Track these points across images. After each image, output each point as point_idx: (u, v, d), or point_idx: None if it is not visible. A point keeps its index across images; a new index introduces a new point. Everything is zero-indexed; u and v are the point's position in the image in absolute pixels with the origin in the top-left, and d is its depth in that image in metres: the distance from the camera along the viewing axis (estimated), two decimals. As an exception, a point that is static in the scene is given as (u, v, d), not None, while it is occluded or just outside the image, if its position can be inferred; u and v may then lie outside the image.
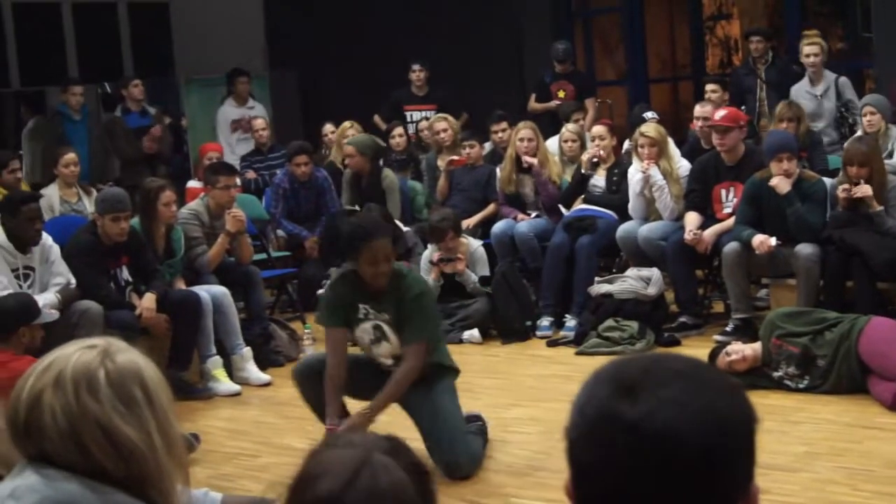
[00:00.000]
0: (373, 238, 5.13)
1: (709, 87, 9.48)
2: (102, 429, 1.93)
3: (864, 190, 6.91)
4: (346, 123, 10.04)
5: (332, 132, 10.44)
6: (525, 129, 8.69)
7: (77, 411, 1.93)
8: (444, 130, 9.71)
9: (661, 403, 1.35)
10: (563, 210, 8.43)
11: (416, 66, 11.15)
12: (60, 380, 1.95)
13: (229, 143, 11.35)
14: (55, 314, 5.81)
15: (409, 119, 10.97)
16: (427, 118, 10.62)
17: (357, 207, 9.06)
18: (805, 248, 7.00)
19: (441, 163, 9.48)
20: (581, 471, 1.40)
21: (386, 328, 5.24)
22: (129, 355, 2.02)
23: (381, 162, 9.48)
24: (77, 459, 1.93)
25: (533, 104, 11.05)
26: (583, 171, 8.32)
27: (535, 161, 8.47)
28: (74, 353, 1.99)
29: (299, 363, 5.98)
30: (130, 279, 7.03)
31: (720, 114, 7.72)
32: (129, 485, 1.95)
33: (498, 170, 8.84)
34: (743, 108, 9.26)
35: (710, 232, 7.52)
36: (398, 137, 10.24)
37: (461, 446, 5.15)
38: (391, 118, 10.84)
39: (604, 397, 1.39)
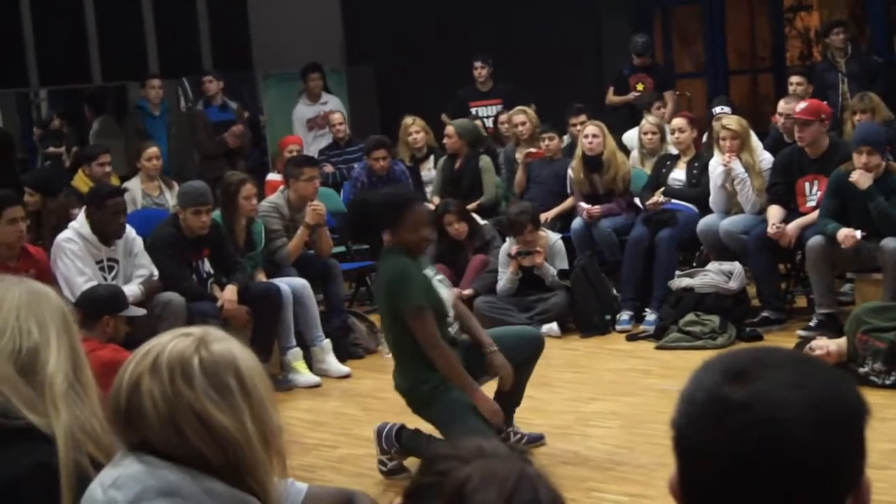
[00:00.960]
0: (414, 203, 5.17)
1: (793, 79, 9.35)
2: (197, 415, 1.95)
3: None
4: (408, 119, 10.04)
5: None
6: (591, 126, 8.62)
7: (172, 397, 1.95)
8: (523, 123, 9.69)
9: (774, 385, 1.34)
10: (639, 204, 8.37)
11: (477, 63, 11.16)
12: (157, 366, 1.98)
13: (306, 141, 11.40)
14: (142, 311, 5.89)
15: (475, 115, 10.95)
16: (500, 112, 10.61)
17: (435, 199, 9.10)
18: (891, 242, 6.88)
19: (519, 156, 9.47)
20: (689, 460, 1.38)
21: (444, 279, 5.31)
22: (225, 344, 2.03)
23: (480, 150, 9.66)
24: (177, 445, 1.95)
25: (611, 97, 10.98)
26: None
27: (594, 211, 8.38)
28: (171, 341, 2.02)
29: None
30: (212, 271, 7.10)
31: (801, 106, 7.61)
32: (228, 472, 1.96)
33: (569, 169, 8.78)
34: (825, 103, 9.11)
35: (794, 225, 7.41)
36: (504, 123, 10.25)
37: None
38: (457, 116, 10.86)
39: (713, 383, 1.37)
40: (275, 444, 2.02)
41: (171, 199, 8.62)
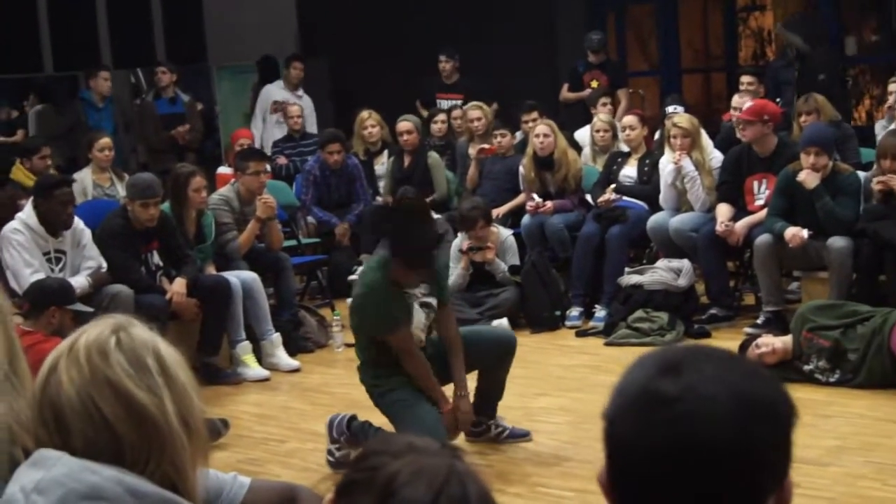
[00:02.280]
0: (434, 259, 5.16)
1: (744, 78, 9.41)
2: (113, 389, 1.92)
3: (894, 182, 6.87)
4: (364, 114, 10.04)
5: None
6: (542, 126, 8.64)
7: (88, 374, 1.93)
8: (479, 119, 9.71)
9: (704, 378, 1.35)
10: (590, 200, 8.40)
11: (442, 57, 11.24)
12: (74, 349, 1.97)
13: (265, 121, 11.31)
14: (89, 308, 5.84)
15: (439, 106, 10.98)
16: (455, 107, 10.62)
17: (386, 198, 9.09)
18: (837, 241, 6.95)
19: (472, 151, 9.48)
20: (617, 450, 1.39)
21: (431, 301, 5.21)
22: (144, 331, 2.02)
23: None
24: (93, 431, 1.93)
25: (566, 94, 11.03)
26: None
27: (546, 207, 8.41)
28: (89, 328, 2.01)
29: None
30: (161, 264, 7.05)
31: (745, 106, 7.70)
32: (145, 458, 1.93)
33: (521, 167, 8.79)
34: (779, 100, 9.18)
35: (742, 224, 7.48)
36: (440, 123, 10.26)
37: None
38: (430, 104, 10.89)
39: (646, 377, 1.38)
40: (196, 427, 2.01)
41: (121, 190, 8.56)
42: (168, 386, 1.96)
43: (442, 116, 10.33)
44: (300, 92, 11.58)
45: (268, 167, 8.35)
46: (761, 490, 1.36)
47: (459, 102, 10.80)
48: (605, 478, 1.42)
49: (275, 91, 11.53)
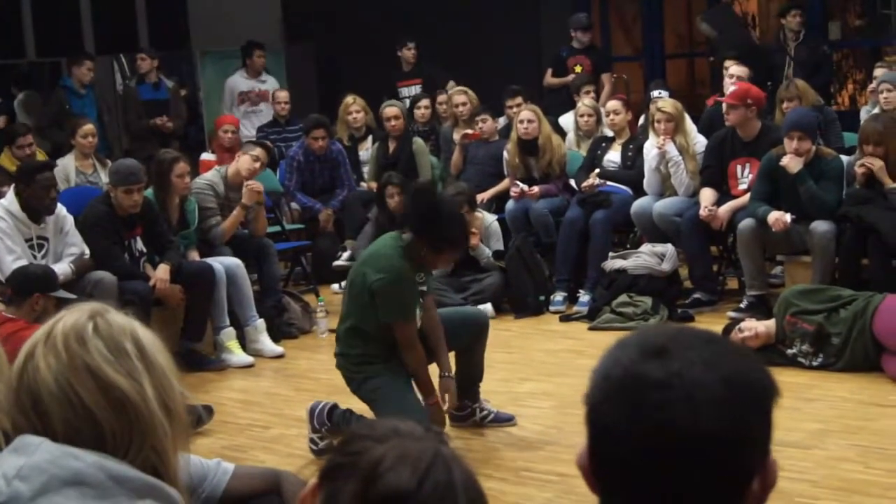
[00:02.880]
0: (462, 244, 5.18)
1: (728, 62, 9.39)
2: (92, 374, 1.92)
3: (878, 165, 6.88)
4: (349, 99, 10.02)
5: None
6: (526, 111, 8.62)
7: (66, 361, 1.93)
8: (464, 104, 9.69)
9: (691, 363, 1.35)
10: (574, 186, 8.41)
11: (410, 44, 11.31)
12: (51, 335, 1.96)
13: (231, 112, 11.30)
14: (73, 296, 5.82)
15: (400, 95, 10.98)
16: (420, 97, 10.55)
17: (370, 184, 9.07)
18: (820, 226, 6.97)
19: (456, 136, 9.47)
20: (602, 435, 1.38)
21: (424, 288, 5.18)
22: (122, 317, 2.02)
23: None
24: (72, 417, 1.92)
25: (549, 79, 11.02)
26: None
27: (532, 192, 8.41)
28: (66, 314, 2.00)
29: None
30: (144, 250, 7.03)
31: (730, 90, 7.69)
32: (126, 442, 1.93)
33: (505, 152, 8.78)
34: (769, 84, 9.17)
35: (726, 208, 7.50)
36: (423, 109, 10.24)
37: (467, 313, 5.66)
38: (391, 96, 10.92)
39: (630, 360, 1.37)
40: (177, 412, 2.00)
41: (104, 176, 8.53)
42: (147, 370, 1.96)
43: (426, 101, 10.30)
44: (263, 77, 11.57)
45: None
46: (748, 472, 1.36)
47: (416, 88, 10.83)
48: (585, 462, 1.42)
49: (239, 81, 11.51)
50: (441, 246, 4.98)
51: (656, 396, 1.32)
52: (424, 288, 5.13)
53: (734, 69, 8.71)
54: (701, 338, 1.41)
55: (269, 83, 11.55)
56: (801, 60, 9.66)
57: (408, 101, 10.57)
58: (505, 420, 5.49)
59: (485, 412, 5.48)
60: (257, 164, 7.90)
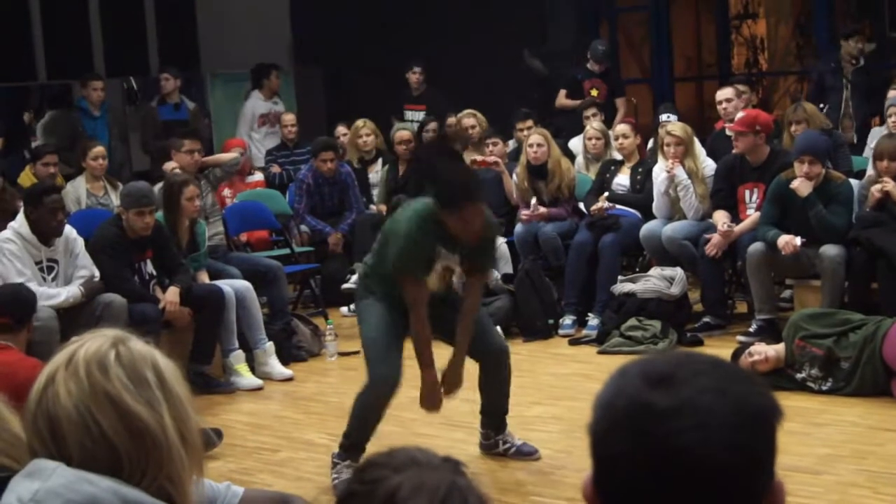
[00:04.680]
0: (475, 201, 4.85)
1: (723, 93, 9.34)
2: (113, 403, 1.93)
3: (892, 185, 6.91)
4: (360, 122, 10.06)
5: (345, 134, 10.46)
6: (535, 136, 8.63)
7: (88, 388, 1.93)
8: (473, 127, 9.71)
9: (700, 389, 1.34)
10: (583, 209, 8.41)
11: (416, 69, 11.37)
12: (73, 361, 1.96)
13: (252, 136, 11.35)
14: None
15: (406, 118, 11.04)
16: (429, 120, 10.59)
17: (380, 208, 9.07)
18: (830, 249, 6.97)
19: (467, 159, 9.47)
20: (607, 466, 1.38)
21: (455, 268, 5.06)
22: (143, 345, 2.03)
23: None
24: (91, 444, 1.93)
25: (563, 100, 11.01)
26: None
27: (540, 212, 8.41)
28: (89, 340, 2.01)
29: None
30: (154, 273, 7.05)
31: (738, 117, 7.69)
32: (143, 472, 1.94)
33: (514, 175, 8.79)
34: (822, 106, 9.15)
35: (738, 229, 7.51)
36: (432, 132, 10.27)
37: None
38: (399, 118, 10.98)
39: (635, 389, 1.36)
40: (193, 441, 2.01)
41: (115, 199, 8.55)
42: (167, 400, 1.97)
43: (434, 125, 10.33)
44: (276, 99, 11.63)
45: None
46: (758, 496, 1.35)
47: (421, 114, 10.90)
48: (590, 492, 1.41)
49: (258, 104, 11.56)
50: (444, 204, 4.80)
51: (666, 425, 1.32)
52: (452, 261, 4.99)
53: (721, 94, 8.72)
54: (706, 363, 1.40)
55: (281, 105, 11.62)
56: (859, 85, 9.59)
57: (415, 125, 10.59)
58: (527, 453, 5.42)
59: (508, 445, 5.42)
60: (196, 156, 8.02)
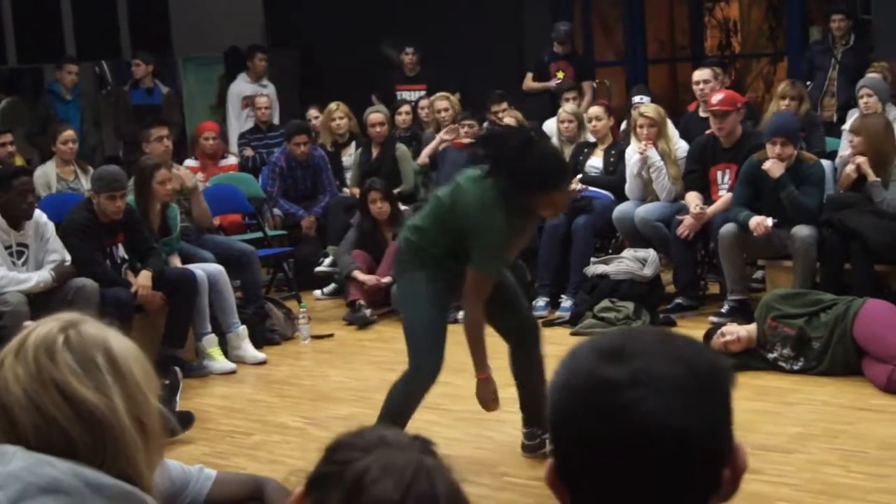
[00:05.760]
0: (564, 185, 4.73)
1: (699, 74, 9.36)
2: (59, 388, 1.91)
3: (861, 159, 7.03)
4: (333, 105, 10.04)
5: (317, 117, 10.43)
6: (507, 119, 8.65)
7: (34, 373, 1.92)
8: (446, 109, 9.71)
9: (652, 358, 1.34)
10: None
11: (409, 50, 11.25)
12: (23, 347, 1.95)
13: (238, 118, 11.28)
14: None
15: (399, 98, 10.98)
16: (423, 97, 10.63)
17: (351, 192, 9.06)
18: (802, 230, 7.00)
19: (438, 137, 9.49)
20: (569, 448, 1.37)
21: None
22: (96, 328, 2.00)
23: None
24: (44, 429, 1.91)
25: (530, 83, 11.03)
26: None
27: None
28: (41, 325, 1.99)
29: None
30: (126, 257, 7.02)
31: (717, 97, 7.69)
32: (99, 456, 1.92)
33: None
34: (809, 83, 9.18)
35: (709, 211, 7.53)
36: (404, 115, 10.25)
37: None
38: (385, 98, 10.89)
39: (589, 366, 1.36)
40: (150, 425, 1.99)
41: (86, 183, 8.50)
42: (119, 384, 1.94)
43: (407, 107, 10.33)
44: (265, 81, 11.55)
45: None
46: (721, 460, 1.36)
47: (421, 93, 10.84)
48: (553, 478, 1.41)
49: (243, 86, 11.48)
50: (541, 187, 4.55)
51: (625, 396, 1.31)
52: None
53: (699, 74, 8.73)
54: (653, 333, 1.42)
55: (270, 89, 11.50)
56: (846, 64, 9.62)
57: (406, 106, 10.49)
58: None
59: None
60: (165, 142, 8.10)
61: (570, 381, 1.38)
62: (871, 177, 7.02)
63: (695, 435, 1.32)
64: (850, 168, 7.11)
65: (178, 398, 5.87)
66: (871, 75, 8.66)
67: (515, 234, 4.70)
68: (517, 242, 4.84)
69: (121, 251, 7.00)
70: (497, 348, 6.58)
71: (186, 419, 5.68)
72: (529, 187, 4.55)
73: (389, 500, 1.41)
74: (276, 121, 10.99)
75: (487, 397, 4.97)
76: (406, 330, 4.87)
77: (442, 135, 9.38)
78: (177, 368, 5.96)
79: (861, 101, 8.18)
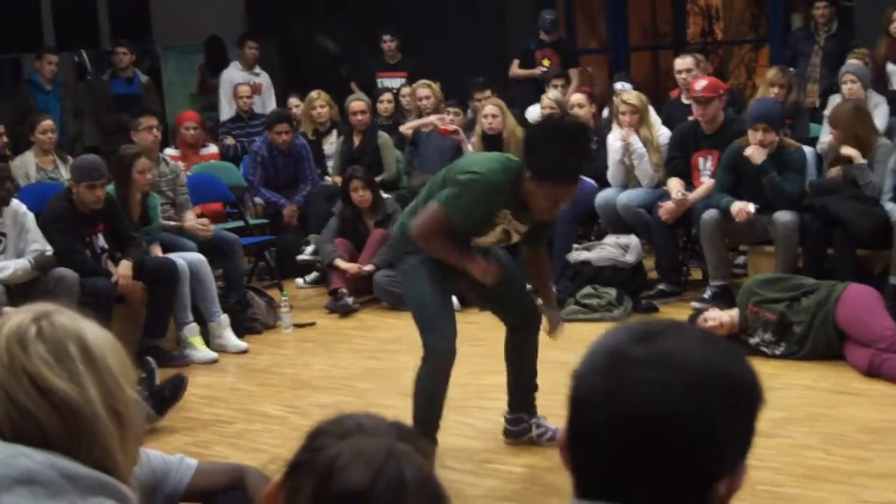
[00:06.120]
0: (573, 182, 4.54)
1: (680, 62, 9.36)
2: (31, 378, 1.89)
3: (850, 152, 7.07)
4: (314, 94, 10.02)
5: (297, 106, 10.40)
6: (490, 106, 8.65)
7: (7, 364, 1.90)
8: (427, 97, 9.69)
9: (676, 348, 1.35)
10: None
11: (386, 37, 11.23)
12: None
13: (231, 106, 11.22)
14: None
15: (380, 86, 10.95)
16: (404, 85, 10.62)
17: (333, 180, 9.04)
18: (783, 216, 7.01)
19: (420, 121, 9.48)
20: (578, 405, 1.39)
21: (514, 235, 4.71)
22: (70, 319, 1.98)
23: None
24: (17, 420, 1.89)
25: (516, 70, 11.01)
26: None
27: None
28: (14, 316, 1.97)
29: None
30: (106, 246, 6.98)
31: (701, 84, 7.68)
32: (75, 446, 1.91)
33: (470, 146, 8.78)
34: (793, 69, 9.21)
35: (692, 195, 7.54)
36: (386, 103, 10.22)
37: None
38: (365, 86, 10.86)
39: (620, 341, 1.39)
40: (126, 414, 1.97)
41: (65, 172, 8.46)
42: (93, 373, 1.93)
43: (388, 96, 10.30)
44: (257, 69, 11.50)
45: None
46: (714, 470, 1.34)
47: (402, 81, 10.82)
48: (563, 441, 1.42)
49: (235, 74, 11.41)
50: (543, 174, 4.39)
51: (636, 371, 1.33)
52: (500, 226, 4.63)
53: (681, 63, 8.72)
54: (697, 330, 1.43)
55: (263, 77, 11.45)
56: (828, 51, 9.64)
57: (388, 94, 10.45)
58: None
59: (542, 429, 5.06)
60: (154, 132, 8.02)
61: (598, 348, 1.41)
62: (858, 159, 7.03)
63: (690, 433, 1.31)
64: (834, 170, 7.11)
65: (157, 383, 5.85)
66: (852, 61, 8.67)
67: (499, 211, 4.54)
68: (494, 223, 4.61)
69: (101, 241, 6.96)
70: (480, 335, 6.60)
71: (178, 384, 5.68)
72: (540, 173, 4.41)
73: (358, 485, 1.42)
74: (271, 107, 10.94)
75: (490, 274, 4.75)
76: (413, 314, 4.78)
77: (432, 118, 9.35)
78: (148, 358, 5.92)
79: (845, 87, 8.19)
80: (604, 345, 1.40)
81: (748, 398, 1.37)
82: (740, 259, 8.07)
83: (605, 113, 9.11)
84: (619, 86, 9.17)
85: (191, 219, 7.90)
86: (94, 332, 1.98)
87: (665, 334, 1.37)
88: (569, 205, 4.89)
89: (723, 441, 1.34)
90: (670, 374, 1.32)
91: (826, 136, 7.79)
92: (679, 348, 1.35)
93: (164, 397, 5.64)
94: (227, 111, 11.16)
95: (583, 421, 1.38)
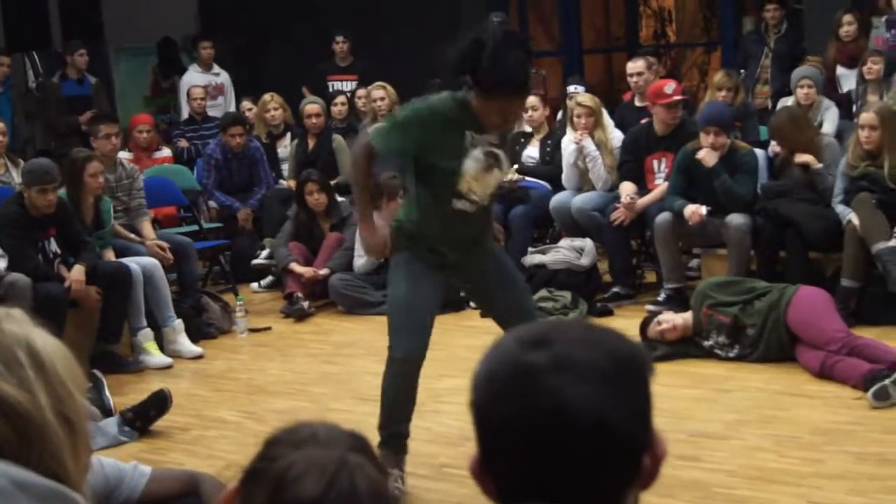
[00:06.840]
0: (524, 93, 4.30)
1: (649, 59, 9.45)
2: None
3: (806, 159, 7.11)
4: (267, 96, 9.99)
5: (250, 109, 10.36)
6: None
7: None
8: (382, 99, 9.69)
9: (575, 345, 1.36)
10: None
11: (339, 38, 11.19)
12: None
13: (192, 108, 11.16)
14: None
15: (331, 89, 10.92)
16: (355, 88, 10.58)
17: (288, 184, 9.01)
18: (736, 219, 7.07)
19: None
20: (496, 434, 1.37)
21: (500, 153, 4.38)
22: (19, 324, 1.97)
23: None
24: None
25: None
26: None
27: None
28: None
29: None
30: (59, 251, 6.92)
31: (671, 87, 7.58)
32: (25, 454, 1.89)
33: None
34: (743, 71, 9.26)
35: (643, 201, 7.58)
36: (340, 106, 10.21)
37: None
38: (316, 90, 10.83)
39: (512, 354, 1.37)
40: (76, 421, 1.96)
41: (16, 176, 8.37)
42: (42, 380, 1.91)
43: (342, 99, 10.29)
44: (216, 69, 11.43)
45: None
46: (641, 447, 1.37)
47: (352, 84, 10.81)
48: (478, 469, 1.41)
49: (195, 76, 11.34)
50: (488, 86, 4.18)
51: (547, 381, 1.32)
52: (500, 151, 4.37)
53: (633, 66, 8.76)
54: (575, 323, 1.46)
55: (223, 76, 11.38)
56: (779, 53, 9.72)
57: (342, 97, 10.41)
58: None
59: None
60: (114, 140, 7.92)
61: (495, 370, 1.38)
62: (815, 164, 7.10)
63: (614, 420, 1.32)
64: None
65: (106, 393, 5.81)
66: (809, 67, 8.77)
67: (455, 134, 4.31)
68: (459, 148, 4.35)
69: (53, 245, 6.89)
70: (435, 339, 6.61)
71: (162, 398, 5.64)
72: (487, 86, 4.18)
73: (310, 496, 1.43)
74: (231, 108, 10.88)
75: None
76: (387, 314, 4.65)
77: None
78: (94, 371, 5.88)
79: (801, 91, 8.27)
80: (500, 363, 1.38)
81: (642, 369, 1.40)
82: (694, 262, 8.13)
83: (559, 115, 9.14)
84: (572, 88, 9.21)
85: (149, 233, 7.80)
86: (43, 339, 1.97)
87: (555, 336, 1.38)
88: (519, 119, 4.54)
89: (637, 419, 1.36)
90: (579, 373, 1.33)
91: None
92: (574, 346, 1.36)
93: (150, 417, 5.61)
94: (187, 114, 11.11)
95: (506, 445, 1.36)
